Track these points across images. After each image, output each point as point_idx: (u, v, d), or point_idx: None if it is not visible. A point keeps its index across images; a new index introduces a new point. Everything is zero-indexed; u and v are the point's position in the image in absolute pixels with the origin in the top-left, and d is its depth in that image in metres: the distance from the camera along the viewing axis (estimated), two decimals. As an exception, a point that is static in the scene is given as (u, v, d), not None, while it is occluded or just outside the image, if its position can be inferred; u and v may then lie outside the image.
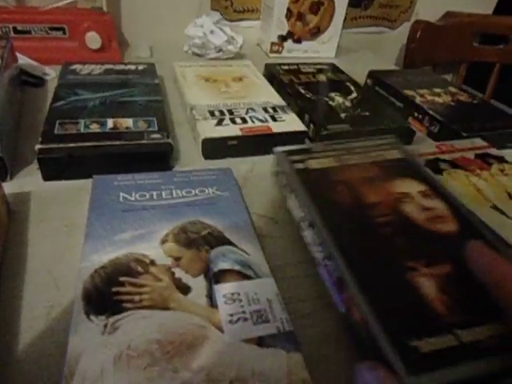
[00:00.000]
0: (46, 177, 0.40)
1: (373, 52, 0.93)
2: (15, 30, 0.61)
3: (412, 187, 0.34)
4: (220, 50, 0.73)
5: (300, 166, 0.35)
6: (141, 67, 0.58)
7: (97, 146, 0.40)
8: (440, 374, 0.20)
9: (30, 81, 0.56)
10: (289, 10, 0.74)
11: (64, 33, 0.64)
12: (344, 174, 0.35)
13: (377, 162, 0.36)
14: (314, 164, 0.36)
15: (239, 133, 0.46)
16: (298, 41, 0.78)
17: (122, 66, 0.58)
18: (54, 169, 0.40)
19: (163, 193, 0.35)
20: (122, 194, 0.34)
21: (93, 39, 0.64)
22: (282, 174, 0.37)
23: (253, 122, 0.48)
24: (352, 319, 0.25)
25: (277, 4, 0.73)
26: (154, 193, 0.35)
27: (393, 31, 0.98)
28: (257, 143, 0.46)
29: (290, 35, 0.77)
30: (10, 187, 0.38)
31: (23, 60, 0.59)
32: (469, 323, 0.23)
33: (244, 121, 0.48)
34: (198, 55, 0.74)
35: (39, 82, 0.57)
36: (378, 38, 0.97)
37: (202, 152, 0.46)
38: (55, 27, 0.63)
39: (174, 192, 0.35)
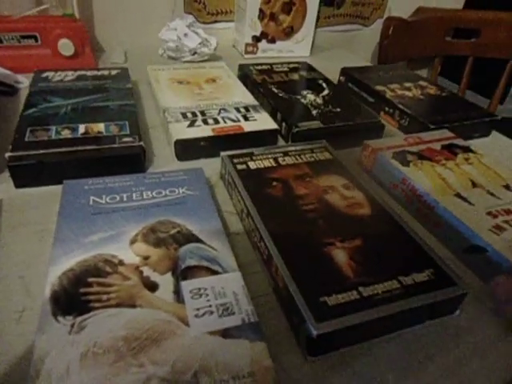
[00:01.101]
0: (18, 184, 0.40)
1: (348, 49, 0.95)
2: (-14, 40, 0.61)
3: (337, 181, 0.40)
4: (195, 53, 0.73)
5: (241, 166, 0.41)
6: (114, 72, 0.59)
7: (68, 152, 0.41)
8: (342, 320, 0.26)
9: (1, 89, 0.56)
10: (261, 10, 0.75)
11: (36, 40, 0.64)
12: (279, 172, 0.40)
13: (308, 162, 0.42)
14: (253, 165, 0.41)
15: (211, 133, 0.47)
16: (272, 41, 0.79)
17: (95, 72, 0.58)
18: (25, 176, 0.40)
19: (134, 194, 0.36)
20: (92, 198, 0.35)
21: (65, 46, 0.64)
22: (227, 175, 0.42)
23: (225, 122, 0.49)
24: (278, 287, 0.30)
25: (249, 5, 0.74)
26: (125, 195, 0.36)
27: (366, 28, 1.00)
28: (229, 143, 0.47)
29: (263, 36, 0.78)
30: (-20, 196, 0.38)
31: (-5, 69, 0.59)
32: (370, 282, 0.29)
33: (216, 121, 0.49)
34: (173, 58, 0.75)
35: (11, 90, 0.57)
36: (353, 36, 0.99)
37: (175, 153, 0.46)
38: (27, 35, 0.63)
39: (144, 193, 0.36)
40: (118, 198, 0.35)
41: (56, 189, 0.39)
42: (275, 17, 0.77)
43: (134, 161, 0.43)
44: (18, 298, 0.30)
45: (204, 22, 0.81)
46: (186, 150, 0.46)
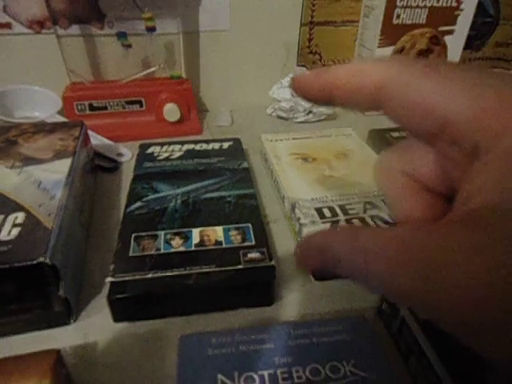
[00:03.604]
0: (117, 318, 0.31)
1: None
2: (91, 107, 0.56)
3: None
4: (309, 112, 0.63)
5: None
6: (225, 145, 0.49)
7: (181, 277, 0.31)
8: None
9: (103, 166, 0.50)
10: (391, 61, 0.63)
11: (141, 106, 0.58)
12: None
13: None
14: None
15: (362, 246, 0.34)
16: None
17: (203, 146, 0.49)
18: (127, 309, 0.30)
19: (278, 372, 0.24)
20: (220, 378, 0.24)
21: (171, 111, 0.57)
22: (396, 320, 0.28)
23: (376, 225, 0.36)
24: None
25: (376, 56, 0.62)
26: (266, 373, 0.24)
27: (510, 72, 0.82)
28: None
29: (391, 89, 0.65)
30: (71, 334, 0.30)
31: (97, 140, 0.53)
32: None
33: (365, 224, 0.36)
34: (283, 118, 0.65)
35: (114, 166, 0.50)
36: (492, 82, 0.82)
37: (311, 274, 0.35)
38: (132, 101, 0.57)
39: (293, 372, 0.24)
40: (257, 381, 0.23)
41: (159, 324, 0.30)
42: (407, 67, 0.64)
43: (263, 289, 0.32)
44: None
45: (318, 75, 0.71)
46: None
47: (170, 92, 0.57)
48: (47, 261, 0.27)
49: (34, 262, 0.26)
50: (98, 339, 0.29)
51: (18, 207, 0.31)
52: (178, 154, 0.47)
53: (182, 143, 0.50)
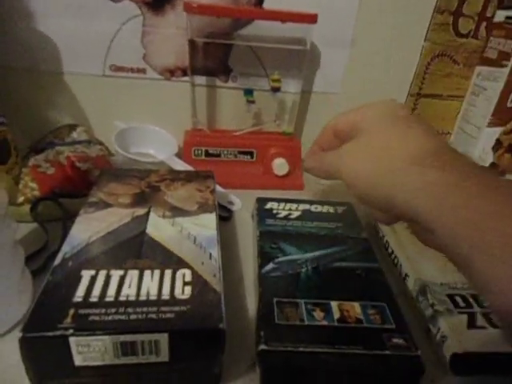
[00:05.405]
0: (266, 387, 0.31)
1: None
2: (206, 153, 0.59)
3: None
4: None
5: None
6: (339, 210, 0.50)
7: (329, 354, 0.31)
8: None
9: (220, 214, 0.52)
10: (498, 140, 0.63)
11: (251, 157, 0.61)
12: None
13: None
14: None
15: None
16: (502, 174, 0.66)
17: (318, 207, 0.50)
18: (276, 378, 0.31)
19: None
20: None
21: (281, 166, 0.59)
22: None
23: (515, 324, 0.36)
24: None
25: (484, 134, 0.62)
26: None
27: None
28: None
29: (493, 167, 0.65)
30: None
31: (211, 186, 0.56)
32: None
33: (503, 321, 0.36)
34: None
35: (228, 215, 0.53)
36: None
37: (449, 365, 0.34)
38: (244, 151, 0.60)
39: None
40: None
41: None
42: (513, 148, 0.64)
43: (408, 381, 0.32)
44: None
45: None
46: (469, 364, 0.34)
47: (281, 147, 0.60)
48: (224, 327, 0.28)
49: (215, 327, 0.28)
50: (249, 408, 0.30)
51: (183, 263, 0.33)
52: (295, 214, 0.49)
53: (298, 202, 0.51)
